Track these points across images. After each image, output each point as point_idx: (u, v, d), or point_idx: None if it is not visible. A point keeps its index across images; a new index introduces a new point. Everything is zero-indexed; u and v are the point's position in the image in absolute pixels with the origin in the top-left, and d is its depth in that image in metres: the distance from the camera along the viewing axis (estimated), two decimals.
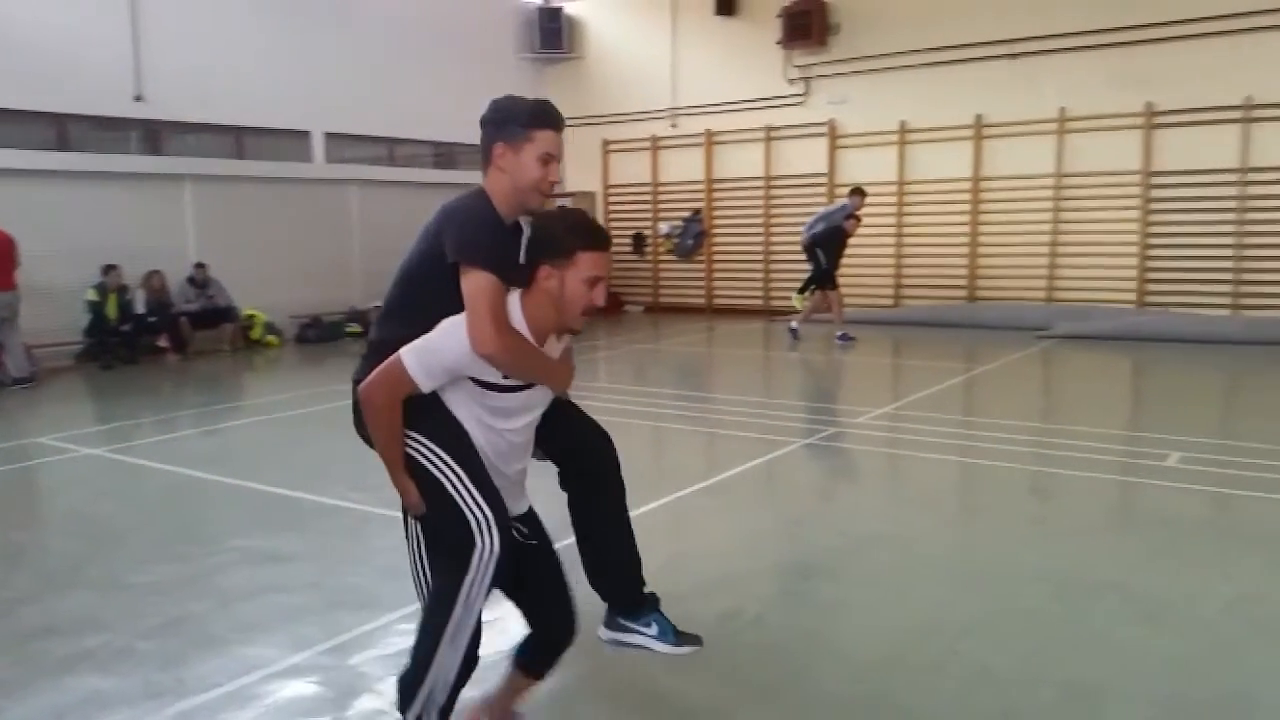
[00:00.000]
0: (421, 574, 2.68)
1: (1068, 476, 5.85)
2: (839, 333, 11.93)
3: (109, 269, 11.35)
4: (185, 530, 5.07)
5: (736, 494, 5.67)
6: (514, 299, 2.47)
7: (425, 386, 2.40)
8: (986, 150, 13.61)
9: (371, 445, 2.62)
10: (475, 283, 2.37)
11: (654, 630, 2.79)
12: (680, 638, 2.79)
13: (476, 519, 2.42)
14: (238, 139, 13.49)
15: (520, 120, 2.56)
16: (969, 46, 13.39)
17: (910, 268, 14.40)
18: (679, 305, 16.58)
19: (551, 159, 2.57)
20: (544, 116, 2.58)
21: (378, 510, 5.21)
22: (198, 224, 12.71)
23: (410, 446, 2.48)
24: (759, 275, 15.80)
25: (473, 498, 2.43)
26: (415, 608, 3.84)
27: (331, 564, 4.46)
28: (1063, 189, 13.11)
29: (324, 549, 4.69)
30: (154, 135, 12.64)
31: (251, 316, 12.86)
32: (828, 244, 11.77)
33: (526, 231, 2.58)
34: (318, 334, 13.42)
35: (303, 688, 3.26)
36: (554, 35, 16.94)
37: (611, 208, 17.18)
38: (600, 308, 2.49)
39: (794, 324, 12.38)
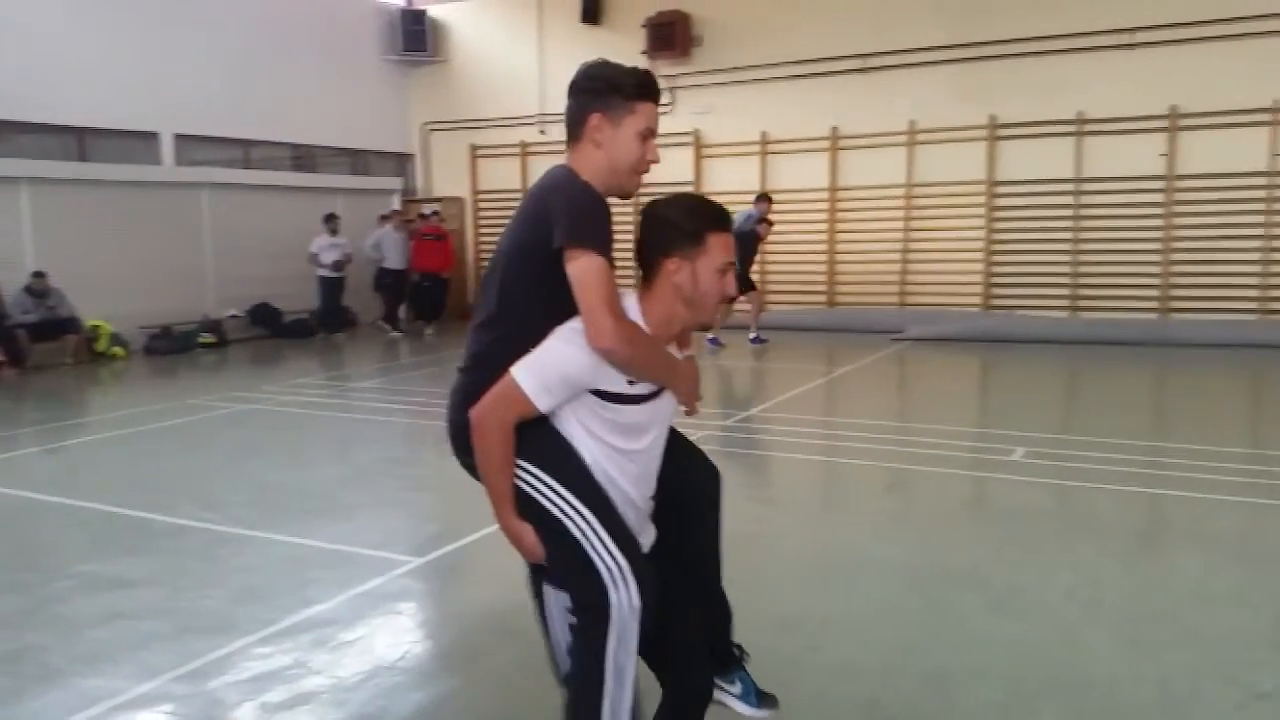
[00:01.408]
0: (555, 648, 2.30)
1: (923, 472, 6.11)
2: (710, 336, 12.07)
3: None
4: (23, 556, 4.73)
5: None
6: (630, 301, 2.20)
7: (543, 405, 2.10)
8: (842, 160, 14.10)
9: (476, 476, 2.32)
10: (585, 267, 2.06)
11: (738, 689, 2.50)
12: (762, 700, 2.49)
13: (609, 568, 2.08)
14: (79, 140, 12.71)
15: (624, 89, 2.25)
16: (824, 60, 13.84)
17: (773, 274, 14.77)
18: None
19: (652, 135, 2.29)
20: (649, 87, 2.28)
21: (231, 529, 5.00)
22: (36, 230, 11.89)
23: (523, 481, 2.14)
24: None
25: (603, 543, 2.09)
26: (273, 630, 3.73)
27: (182, 587, 4.24)
28: (913, 198, 13.71)
29: (174, 571, 4.46)
30: None
31: (96, 327, 12.13)
32: (741, 250, 11.82)
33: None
34: (168, 345, 12.77)
35: (152, 718, 3.09)
36: (418, 37, 16.65)
37: (481, 214, 17.00)
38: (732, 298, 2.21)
39: (753, 335, 12.32)
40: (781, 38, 14.11)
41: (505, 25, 16.43)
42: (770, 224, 12.06)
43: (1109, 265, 12.80)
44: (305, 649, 3.56)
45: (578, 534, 2.10)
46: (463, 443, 2.27)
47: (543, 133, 16.12)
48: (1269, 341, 11.25)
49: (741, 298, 11.88)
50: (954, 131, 13.29)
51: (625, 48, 15.10)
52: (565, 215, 2.12)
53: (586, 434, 2.16)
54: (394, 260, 14.42)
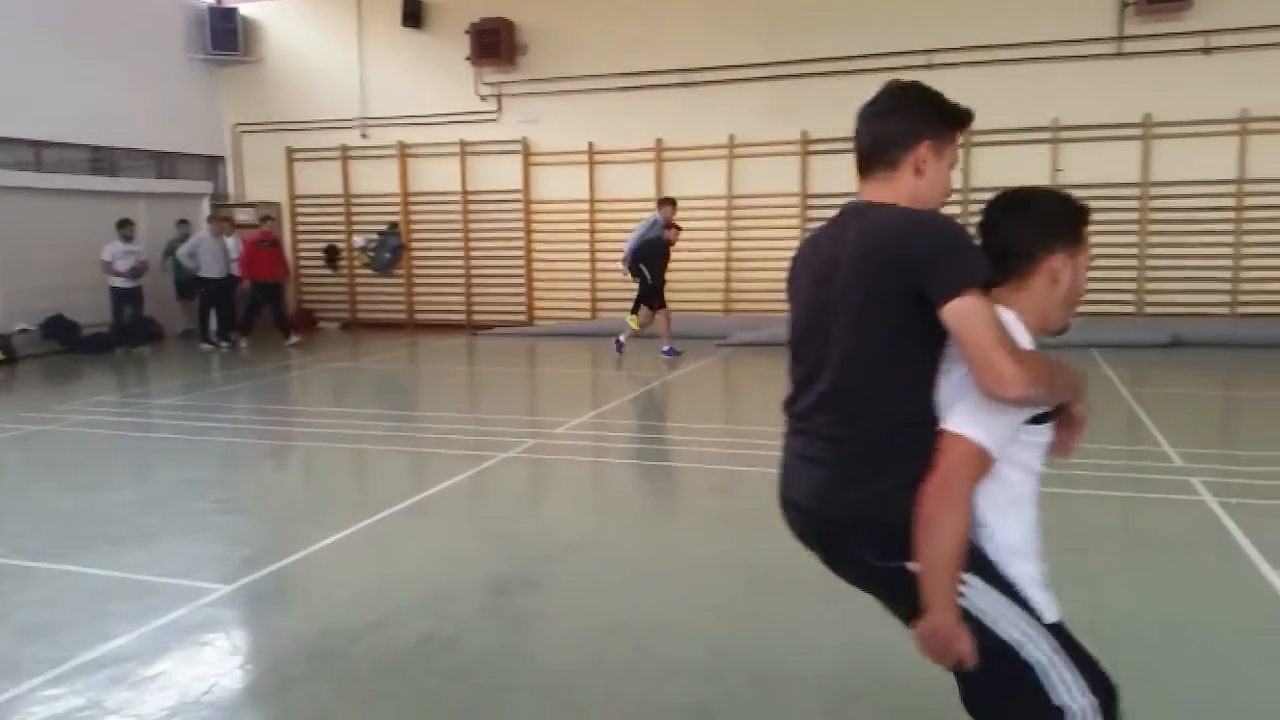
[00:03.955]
0: None
1: (746, 473, 6.28)
2: (665, 348, 11.87)
3: None
4: None
5: (439, 513, 5.57)
6: (1003, 313, 1.95)
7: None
8: (668, 172, 14.38)
9: (862, 581, 2.12)
10: (970, 308, 1.80)
11: None
12: None
13: (1078, 709, 1.79)
14: None
15: (949, 117, 2.11)
16: (648, 74, 14.08)
17: (604, 282, 14.89)
18: (378, 321, 16.05)
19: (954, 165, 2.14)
20: (967, 115, 2.13)
21: (13, 561, 4.60)
22: None
23: (959, 593, 1.84)
24: (460, 290, 15.67)
25: (1064, 680, 1.80)
26: (63, 669, 3.44)
27: None
28: (734, 209, 14.14)
29: None
30: None
31: None
32: (650, 258, 11.69)
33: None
34: None
35: None
36: (228, 36, 15.85)
37: (300, 219, 16.31)
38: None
39: (621, 337, 12.01)
40: (607, 50, 14.25)
41: (323, 26, 15.88)
42: (679, 229, 12.00)
43: None
44: (100, 688, 3.31)
45: (1034, 661, 1.82)
46: (893, 546, 1.91)
47: (364, 136, 15.68)
48: (1071, 341, 12.24)
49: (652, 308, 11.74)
50: (769, 146, 13.78)
51: (450, 53, 14.91)
52: (949, 256, 1.87)
53: (1025, 474, 1.96)
54: (210, 268, 13.59)
